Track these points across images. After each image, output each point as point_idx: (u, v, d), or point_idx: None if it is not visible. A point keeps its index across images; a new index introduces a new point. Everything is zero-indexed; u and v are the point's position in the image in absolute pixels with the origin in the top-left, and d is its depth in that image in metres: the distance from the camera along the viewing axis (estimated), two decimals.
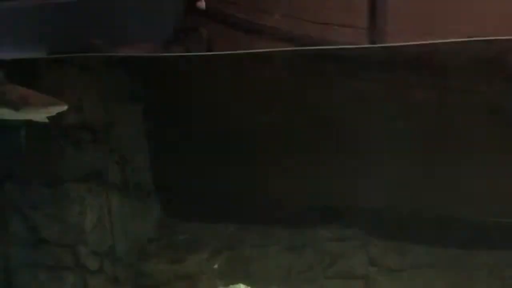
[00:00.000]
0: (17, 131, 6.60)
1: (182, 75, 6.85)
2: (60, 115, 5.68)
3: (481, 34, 5.64)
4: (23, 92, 5.67)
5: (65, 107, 5.60)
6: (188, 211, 7.18)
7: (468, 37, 5.71)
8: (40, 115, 5.71)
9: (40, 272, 6.63)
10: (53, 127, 6.32)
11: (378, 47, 5.84)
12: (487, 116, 6.47)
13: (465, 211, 6.67)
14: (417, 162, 6.72)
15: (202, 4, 6.17)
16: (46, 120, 5.77)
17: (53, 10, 6.13)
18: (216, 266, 6.99)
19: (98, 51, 6.31)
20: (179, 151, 7.14)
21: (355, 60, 6.39)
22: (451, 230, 6.68)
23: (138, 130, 7.26)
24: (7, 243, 6.76)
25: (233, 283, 6.84)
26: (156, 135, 7.26)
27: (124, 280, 6.90)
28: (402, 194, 6.75)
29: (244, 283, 6.83)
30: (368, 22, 6.01)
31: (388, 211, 6.76)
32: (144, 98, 7.17)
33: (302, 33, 6.17)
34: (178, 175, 7.19)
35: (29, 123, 6.07)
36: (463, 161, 6.60)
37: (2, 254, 6.76)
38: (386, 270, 6.85)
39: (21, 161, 6.70)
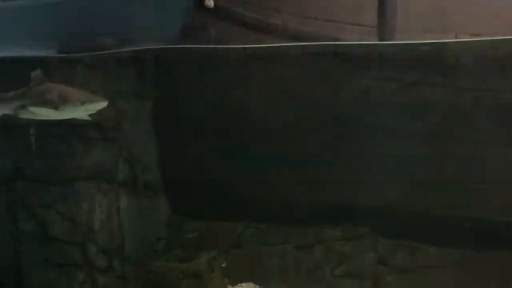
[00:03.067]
0: (27, 130, 6.63)
1: (190, 73, 6.86)
2: None
3: (492, 32, 5.61)
4: (61, 89, 5.57)
5: (104, 104, 5.51)
6: (197, 210, 7.19)
7: (479, 35, 5.69)
8: (79, 113, 5.61)
9: (50, 269, 6.67)
10: (63, 126, 6.35)
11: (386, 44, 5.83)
12: (499, 115, 6.42)
13: (475, 210, 6.62)
14: (427, 162, 6.68)
15: (210, 3, 6.18)
16: (87, 118, 5.69)
17: (62, 9, 6.16)
18: (224, 264, 7.00)
19: (107, 50, 6.34)
20: (188, 149, 7.15)
21: (363, 58, 6.36)
22: (461, 230, 6.63)
23: (147, 129, 7.28)
24: (17, 241, 6.80)
25: (241, 282, 6.84)
26: (165, 134, 7.27)
27: (132, 278, 6.92)
28: (411, 194, 6.71)
29: (252, 281, 6.83)
30: (378, 20, 6.00)
31: (398, 211, 6.73)
32: (153, 96, 7.18)
33: (311, 32, 6.16)
34: (187, 173, 7.20)
35: (38, 122, 6.12)
36: (474, 160, 6.55)
37: (13, 251, 6.80)
38: (395, 270, 6.82)
39: (31, 159, 6.74)
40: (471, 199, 6.54)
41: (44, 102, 5.49)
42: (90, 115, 5.73)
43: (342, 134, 6.72)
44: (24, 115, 5.68)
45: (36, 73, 5.68)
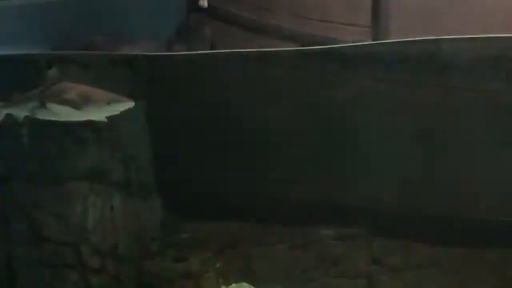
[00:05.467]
0: (21, 130, 6.60)
1: (185, 74, 6.85)
2: None
3: (485, 32, 5.63)
4: (82, 89, 5.28)
5: (131, 104, 5.20)
6: (191, 210, 7.18)
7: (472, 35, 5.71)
8: (102, 114, 5.31)
9: (43, 270, 6.64)
10: (56, 126, 6.31)
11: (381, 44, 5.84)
12: (491, 114, 6.45)
13: (468, 210, 6.65)
14: (420, 161, 6.70)
15: (204, 3, 6.18)
16: (105, 120, 5.41)
17: (55, 8, 6.16)
18: (218, 265, 6.99)
19: (100, 49, 6.32)
20: (182, 150, 7.14)
21: (358, 58, 6.38)
22: (455, 229, 6.66)
23: (141, 129, 7.26)
24: (10, 242, 6.77)
25: (235, 282, 6.84)
26: (159, 134, 7.26)
27: (126, 278, 6.91)
28: (405, 193, 6.73)
29: (246, 282, 6.83)
30: (372, 20, 6.01)
31: (392, 210, 6.74)
32: (147, 96, 7.16)
33: (306, 32, 6.17)
34: (181, 174, 7.19)
35: (31, 122, 6.08)
36: (467, 160, 6.58)
37: (5, 252, 6.77)
38: (389, 269, 6.83)
39: (24, 160, 6.71)
40: (465, 199, 6.57)
41: (63, 102, 5.21)
42: None
43: (336, 134, 6.73)
44: (42, 115, 5.45)
45: (52, 72, 5.44)
